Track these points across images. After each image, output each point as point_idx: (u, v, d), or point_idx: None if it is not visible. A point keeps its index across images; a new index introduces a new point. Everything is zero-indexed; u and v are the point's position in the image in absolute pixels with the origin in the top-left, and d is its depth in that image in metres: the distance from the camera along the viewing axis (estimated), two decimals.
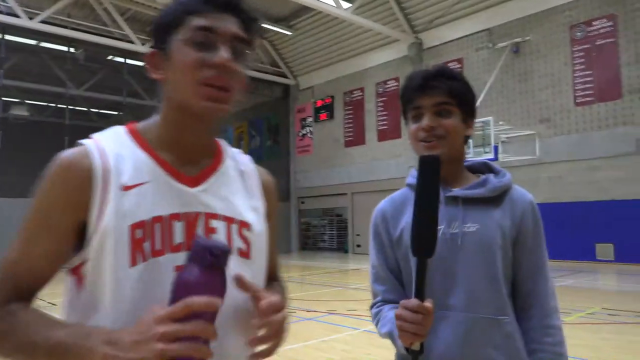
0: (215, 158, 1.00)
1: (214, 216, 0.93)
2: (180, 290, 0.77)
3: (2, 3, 15.29)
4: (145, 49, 17.72)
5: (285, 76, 22.43)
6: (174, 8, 0.92)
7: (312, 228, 22.83)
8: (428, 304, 1.08)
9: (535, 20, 14.91)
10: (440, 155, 1.19)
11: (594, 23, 13.86)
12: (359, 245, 19.88)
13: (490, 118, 13.28)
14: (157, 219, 0.87)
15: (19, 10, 15.16)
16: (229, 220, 0.94)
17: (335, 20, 18.34)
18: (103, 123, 24.92)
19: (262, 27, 19.49)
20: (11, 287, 0.85)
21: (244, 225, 0.96)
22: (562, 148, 14.16)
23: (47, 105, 22.86)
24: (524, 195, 1.36)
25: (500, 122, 13.87)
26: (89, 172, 0.86)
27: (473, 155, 13.44)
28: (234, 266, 0.88)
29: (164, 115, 0.95)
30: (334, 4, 15.67)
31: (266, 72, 21.93)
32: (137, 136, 0.93)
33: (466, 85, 1.35)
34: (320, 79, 21.60)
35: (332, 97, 21.08)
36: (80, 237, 0.86)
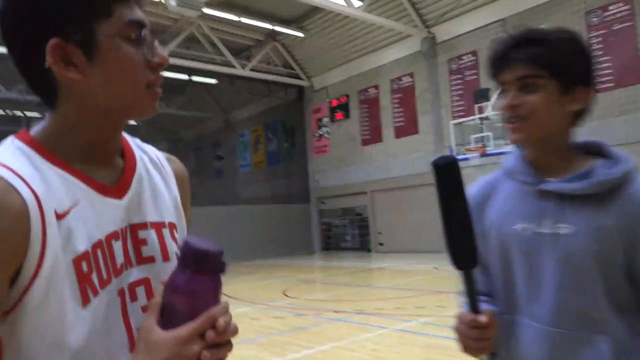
0: (126, 155, 0.87)
1: (143, 226, 0.83)
2: (183, 299, 0.71)
3: None
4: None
5: (299, 77, 22.47)
6: None
7: (333, 228, 22.81)
8: (482, 318, 1.02)
9: (549, 8, 14.67)
10: (517, 139, 1.04)
11: (609, 8, 13.57)
12: (381, 244, 19.80)
13: None
14: (98, 245, 0.75)
15: None
16: (158, 225, 0.86)
17: (347, 19, 18.30)
18: None
19: (274, 29, 19.58)
20: None
21: (172, 226, 0.89)
22: (582, 135, 13.86)
23: None
24: None
25: None
26: (23, 208, 0.68)
27: (494, 148, 13.31)
28: (169, 269, 0.77)
29: (76, 122, 0.78)
30: (344, 3, 15.64)
31: (280, 75, 21.98)
32: (42, 150, 0.75)
33: (566, 46, 1.08)
34: (334, 78, 21.57)
35: (347, 96, 21.05)
36: None
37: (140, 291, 0.81)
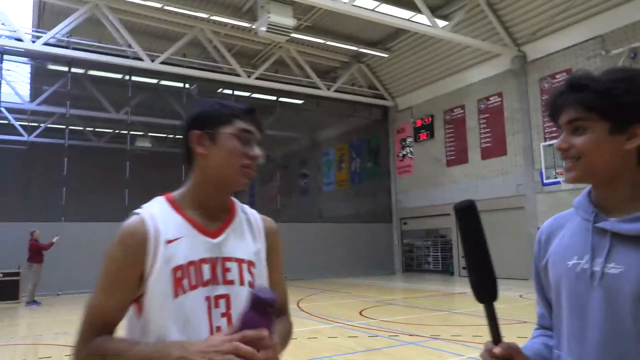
0: (230, 212, 1.37)
1: (229, 259, 1.28)
2: (242, 327, 1.12)
3: (129, 49, 17.23)
4: (251, 80, 18.90)
5: (383, 98, 22.58)
6: (223, 108, 1.31)
7: (415, 249, 22.42)
8: (497, 349, 1.08)
9: None
10: (571, 179, 1.11)
11: None
12: (464, 268, 19.12)
13: None
14: (191, 263, 1.23)
15: (142, 54, 16.97)
16: (240, 261, 1.30)
17: (432, 40, 18.19)
18: None
19: (359, 51, 19.90)
20: (96, 326, 1.20)
21: (250, 264, 1.32)
22: None
23: (166, 137, 25.12)
24: None
25: None
26: (146, 235, 1.21)
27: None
28: (246, 294, 1.23)
29: (196, 183, 1.32)
30: (429, 24, 15.59)
31: (365, 95, 22.23)
32: (173, 203, 1.30)
33: (615, 87, 1.09)
34: (419, 98, 21.43)
35: (432, 116, 20.79)
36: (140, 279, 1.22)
37: (222, 302, 1.25)
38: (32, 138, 20.93)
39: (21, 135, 20.40)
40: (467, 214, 1.11)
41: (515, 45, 17.00)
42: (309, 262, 19.65)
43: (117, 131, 22.85)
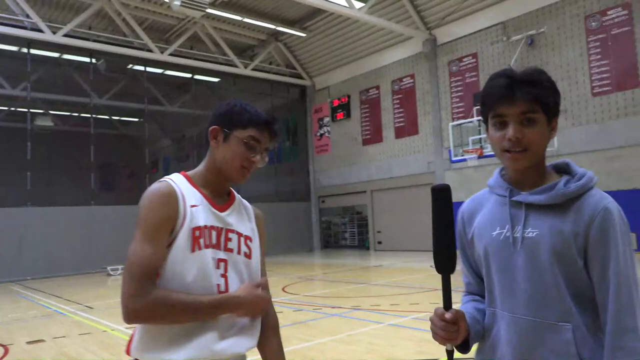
0: (230, 196, 1.62)
1: (232, 231, 1.54)
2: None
3: (26, 19, 15.83)
4: (164, 57, 18.14)
5: (301, 77, 22.68)
6: (244, 114, 1.52)
7: (333, 226, 23.05)
8: (448, 315, 1.26)
9: (549, 12, 14.88)
10: (517, 167, 1.29)
11: (608, 12, 13.78)
12: (379, 242, 20.04)
13: None
14: (206, 227, 1.46)
15: (42, 25, 15.68)
16: (239, 234, 1.55)
17: (349, 21, 18.51)
18: (126, 130, 25.54)
19: (277, 29, 19.78)
20: (149, 274, 1.34)
21: (247, 238, 1.58)
22: (581, 139, 14.11)
23: (71, 115, 23.51)
24: (598, 202, 1.24)
25: None
26: (177, 197, 1.45)
27: (491, 149, 13.52)
28: (242, 262, 1.53)
29: (207, 169, 1.55)
30: (346, 5, 15.85)
31: (283, 75, 22.20)
32: (189, 179, 1.53)
33: (552, 86, 1.28)
34: (336, 78, 21.80)
35: (349, 96, 21.26)
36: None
37: (222, 265, 1.48)
38: None
39: None
40: (442, 195, 1.27)
41: (427, 29, 17.77)
42: None
43: (13, 109, 21.06)
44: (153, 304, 1.31)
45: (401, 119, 19.12)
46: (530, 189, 1.31)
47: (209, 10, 16.25)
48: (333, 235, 23.06)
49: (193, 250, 1.41)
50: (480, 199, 1.46)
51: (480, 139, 13.89)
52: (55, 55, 18.09)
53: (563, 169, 1.36)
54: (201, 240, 1.43)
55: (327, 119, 22.47)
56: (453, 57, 17.33)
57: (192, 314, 1.36)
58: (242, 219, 1.60)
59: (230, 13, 18.16)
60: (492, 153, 11.76)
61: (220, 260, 1.47)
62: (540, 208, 1.28)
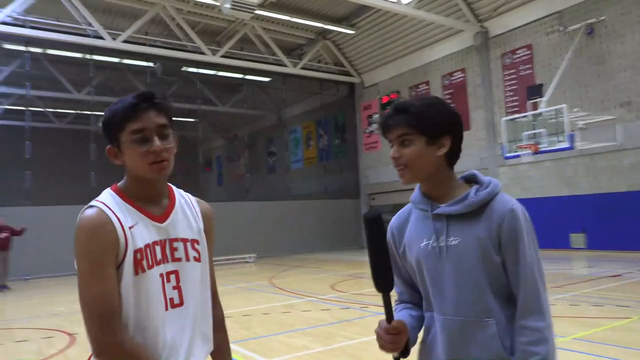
0: (170, 197, 1.53)
1: (176, 240, 1.47)
2: None
3: (88, 27, 16.72)
4: (216, 59, 18.66)
5: (349, 75, 22.68)
6: (113, 117, 1.40)
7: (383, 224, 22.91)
8: (392, 326, 1.42)
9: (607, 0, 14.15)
10: (405, 181, 1.49)
11: None
12: None
13: (563, 105, 12.80)
14: (147, 246, 1.39)
15: (103, 32, 16.51)
16: (184, 240, 1.48)
17: (397, 16, 18.32)
18: (181, 130, 26.45)
19: (325, 27, 19.87)
20: (107, 314, 1.29)
21: (194, 242, 1.51)
22: None
23: None
24: (504, 205, 1.42)
25: (575, 109, 13.31)
26: (112, 224, 1.36)
27: (548, 145, 13.04)
28: (192, 267, 1.47)
29: (131, 181, 1.46)
30: (394, 0, 15.70)
31: (331, 72, 22.28)
32: (121, 194, 1.44)
33: (428, 110, 1.45)
34: (385, 75, 21.64)
35: (398, 92, 21.06)
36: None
37: (173, 277, 1.43)
38: None
39: None
40: (374, 224, 1.43)
41: (478, 21, 17.32)
42: (279, 240, 19.88)
43: (79, 112, 22.28)
44: (123, 351, 1.30)
45: None
46: (445, 202, 1.48)
47: (258, 12, 16.56)
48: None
49: (137, 274, 1.35)
50: (406, 214, 1.62)
51: (535, 134, 13.42)
52: (115, 60, 19.02)
53: (472, 180, 1.54)
54: (144, 262, 1.37)
55: (376, 116, 22.36)
56: (506, 49, 16.80)
57: None
58: (187, 221, 1.52)
59: (279, 13, 18.41)
60: (548, 149, 11.39)
61: (170, 272, 1.42)
62: (458, 217, 1.45)
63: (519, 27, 16.36)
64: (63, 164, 20.24)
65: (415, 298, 1.60)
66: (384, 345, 1.43)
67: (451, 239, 1.44)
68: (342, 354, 5.21)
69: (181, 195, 1.57)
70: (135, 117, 1.38)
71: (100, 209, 1.37)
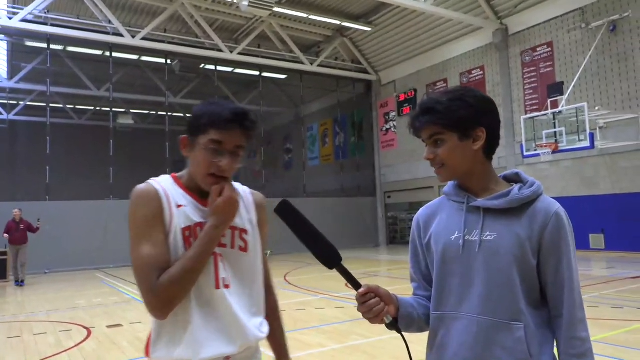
0: None
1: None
2: None
3: (109, 25, 16.92)
4: (233, 56, 18.73)
5: (367, 72, 22.59)
6: (203, 116, 1.44)
7: (399, 222, 22.83)
8: (361, 290, 1.35)
9: None
10: (443, 180, 1.44)
11: None
12: None
13: (584, 104, 12.58)
14: (197, 224, 1.44)
15: (123, 30, 16.69)
16: (232, 228, 1.50)
17: (415, 13, 18.18)
18: None
19: (342, 25, 19.81)
20: (156, 273, 1.35)
21: (242, 231, 1.53)
22: None
23: (149, 113, 24.86)
24: (549, 207, 1.36)
25: (597, 107, 13.07)
26: (160, 198, 1.43)
27: (567, 144, 12.84)
28: (236, 256, 1.49)
29: (189, 174, 1.51)
30: None
31: (348, 70, 22.21)
32: (177, 181, 1.51)
33: (455, 105, 1.39)
34: (402, 72, 21.50)
35: (415, 90, 20.92)
36: None
37: (215, 259, 1.45)
38: (12, 116, 20.61)
39: (0, 113, 20.06)
40: (285, 211, 1.36)
41: (497, 18, 17.10)
42: (293, 237, 19.61)
43: (99, 108, 22.58)
44: (163, 287, 1.33)
45: None
46: (485, 196, 1.42)
47: (276, 9, 16.58)
48: (399, 231, 22.83)
49: (186, 249, 1.40)
50: (437, 206, 1.55)
51: (555, 132, 13.21)
52: (134, 57, 19.22)
53: (513, 179, 1.48)
54: (192, 240, 1.41)
55: (393, 114, 22.24)
56: (526, 46, 16.56)
57: (192, 268, 1.36)
58: (237, 210, 1.52)
59: (296, 10, 18.41)
60: (568, 147, 11.22)
61: (214, 254, 1.45)
62: (496, 213, 1.38)
63: (540, 24, 16.11)
64: (82, 160, 20.54)
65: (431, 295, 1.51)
66: (366, 314, 1.35)
67: (487, 233, 1.37)
68: (357, 351, 5.19)
69: (235, 187, 1.58)
70: (221, 129, 1.42)
71: (150, 184, 1.46)
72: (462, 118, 1.39)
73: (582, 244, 14.54)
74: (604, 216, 14.18)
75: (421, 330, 1.50)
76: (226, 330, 1.41)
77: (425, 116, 1.43)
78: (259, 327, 1.51)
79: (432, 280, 1.50)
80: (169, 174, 1.57)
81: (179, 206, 1.44)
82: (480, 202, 1.40)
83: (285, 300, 8.73)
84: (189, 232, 1.42)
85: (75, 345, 5.99)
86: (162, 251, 1.38)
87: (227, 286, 1.44)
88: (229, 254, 1.48)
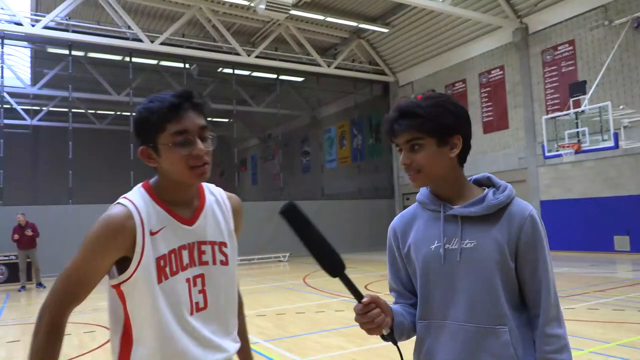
0: (200, 197, 1.47)
1: (204, 243, 1.42)
2: None
3: (128, 30, 17.15)
4: (251, 59, 18.83)
5: (384, 73, 22.48)
6: (151, 115, 1.32)
7: None
8: (364, 300, 1.29)
9: None
10: (418, 185, 1.44)
11: None
12: None
13: (608, 103, 12.32)
14: (172, 252, 1.36)
15: (142, 35, 16.90)
16: (212, 243, 1.44)
17: (433, 14, 18.04)
18: (216, 130, 26.80)
19: (359, 26, 19.76)
20: (72, 297, 1.30)
21: (222, 244, 1.46)
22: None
23: None
24: (523, 210, 1.38)
25: (621, 106, 12.79)
26: (135, 229, 1.31)
27: (590, 144, 12.59)
28: (218, 271, 1.43)
29: (164, 183, 1.39)
30: None
31: (365, 71, 22.14)
32: (152, 194, 1.39)
33: (435, 110, 1.38)
34: (420, 73, 21.35)
35: (433, 91, 20.70)
36: (118, 264, 1.33)
37: (199, 281, 1.40)
38: (35, 122, 21.01)
39: (24, 119, 20.46)
40: (291, 214, 1.27)
41: (517, 17, 16.87)
42: None
43: (119, 113, 22.90)
44: (51, 329, 1.28)
45: (489, 113, 18.33)
46: (458, 204, 1.41)
47: (293, 12, 16.60)
48: None
49: (160, 282, 1.32)
50: (412, 215, 1.54)
51: (578, 132, 12.96)
52: (153, 62, 19.45)
53: (484, 183, 1.49)
54: (167, 269, 1.33)
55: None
56: (547, 45, 16.30)
57: None
58: (216, 222, 1.47)
59: (313, 13, 18.42)
60: (592, 147, 10.99)
61: (196, 276, 1.39)
62: (473, 219, 1.38)
63: (561, 22, 15.84)
64: (103, 164, 20.86)
65: (414, 302, 1.51)
66: (365, 325, 1.32)
67: (466, 241, 1.38)
68: (376, 355, 5.14)
69: (211, 193, 1.51)
70: (177, 118, 1.31)
71: (127, 209, 1.32)
72: (444, 124, 1.38)
73: (606, 245, 14.23)
74: (629, 217, 13.85)
75: (409, 337, 1.49)
76: (201, 351, 1.37)
77: (405, 120, 1.40)
78: (233, 340, 1.48)
79: (414, 289, 1.50)
80: None
81: (152, 233, 1.33)
82: (457, 209, 1.40)
83: (305, 302, 8.71)
84: (164, 261, 1.33)
85: (99, 347, 6.05)
86: (93, 282, 1.32)
87: (201, 309, 1.39)
88: (211, 272, 1.42)
